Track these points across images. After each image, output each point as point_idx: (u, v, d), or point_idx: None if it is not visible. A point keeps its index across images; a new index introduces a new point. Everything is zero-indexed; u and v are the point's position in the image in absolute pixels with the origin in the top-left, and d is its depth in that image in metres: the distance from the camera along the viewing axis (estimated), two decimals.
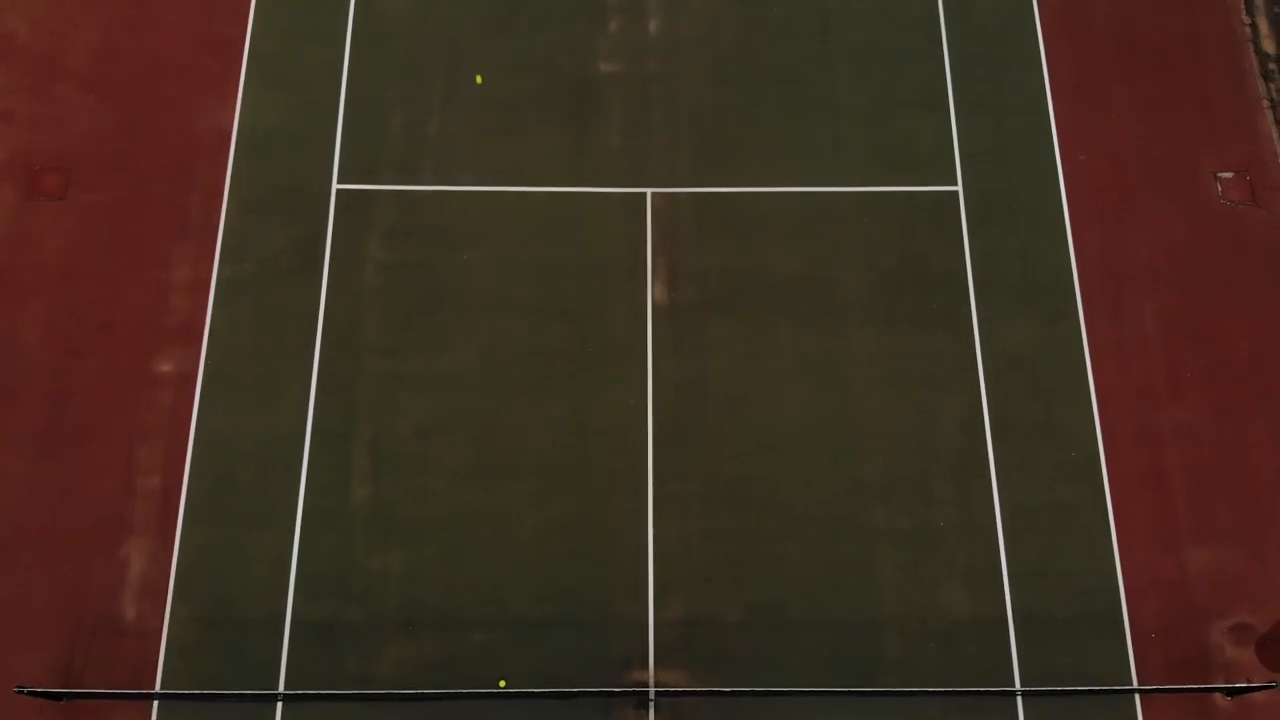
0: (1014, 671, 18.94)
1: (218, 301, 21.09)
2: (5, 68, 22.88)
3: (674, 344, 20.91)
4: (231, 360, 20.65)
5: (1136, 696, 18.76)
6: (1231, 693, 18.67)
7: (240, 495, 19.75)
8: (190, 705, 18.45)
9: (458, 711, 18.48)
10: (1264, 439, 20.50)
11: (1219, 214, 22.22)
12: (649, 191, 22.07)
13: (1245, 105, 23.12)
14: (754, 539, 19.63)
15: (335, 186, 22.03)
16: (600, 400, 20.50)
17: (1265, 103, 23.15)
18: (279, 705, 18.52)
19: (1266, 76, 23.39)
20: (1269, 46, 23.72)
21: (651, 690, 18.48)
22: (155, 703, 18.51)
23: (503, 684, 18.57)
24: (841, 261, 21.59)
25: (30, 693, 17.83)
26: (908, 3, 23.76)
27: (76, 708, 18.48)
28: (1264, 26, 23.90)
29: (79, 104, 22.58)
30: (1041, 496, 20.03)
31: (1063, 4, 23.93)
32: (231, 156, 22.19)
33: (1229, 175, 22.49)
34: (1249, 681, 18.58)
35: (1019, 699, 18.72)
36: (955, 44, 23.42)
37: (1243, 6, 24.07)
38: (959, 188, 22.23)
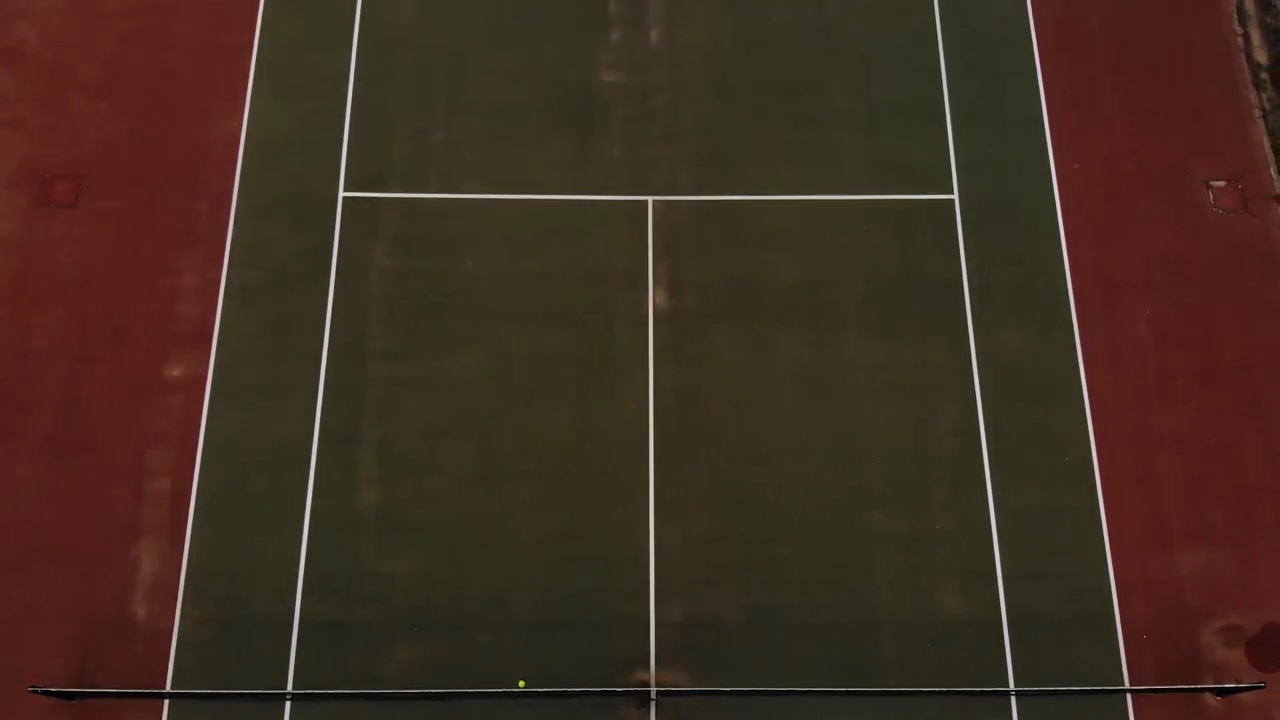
0: (1008, 672, 19.28)
1: (227, 308, 21.44)
2: (17, 77, 23.23)
3: (675, 350, 21.25)
4: (241, 365, 21.00)
5: (1128, 696, 19.08)
6: (1221, 693, 19.00)
7: (249, 498, 20.09)
8: (200, 704, 18.80)
9: (463, 711, 18.82)
10: (1255, 443, 20.83)
11: (1212, 222, 22.56)
12: (650, 200, 22.41)
13: (1237, 114, 23.45)
14: (754, 542, 19.98)
15: (342, 194, 22.37)
16: (602, 406, 20.84)
17: (1257, 112, 23.48)
18: (287, 704, 18.86)
19: (1258, 86, 23.72)
20: (1261, 56, 24.05)
21: (653, 690, 18.80)
22: (166, 702, 18.84)
23: (522, 684, 18.87)
24: (840, 269, 21.93)
25: (45, 692, 18.18)
26: (906, 15, 24.10)
27: (89, 707, 18.82)
28: (1256, 36, 24.23)
29: (90, 113, 22.92)
30: (1036, 500, 20.37)
31: (1058, 15, 24.26)
32: (240, 165, 22.54)
33: (1221, 184, 22.83)
34: (1238, 682, 18.90)
35: (1013, 699, 19.05)
36: (952, 55, 23.74)
37: (1235, 17, 24.40)
38: (955, 196, 22.57)
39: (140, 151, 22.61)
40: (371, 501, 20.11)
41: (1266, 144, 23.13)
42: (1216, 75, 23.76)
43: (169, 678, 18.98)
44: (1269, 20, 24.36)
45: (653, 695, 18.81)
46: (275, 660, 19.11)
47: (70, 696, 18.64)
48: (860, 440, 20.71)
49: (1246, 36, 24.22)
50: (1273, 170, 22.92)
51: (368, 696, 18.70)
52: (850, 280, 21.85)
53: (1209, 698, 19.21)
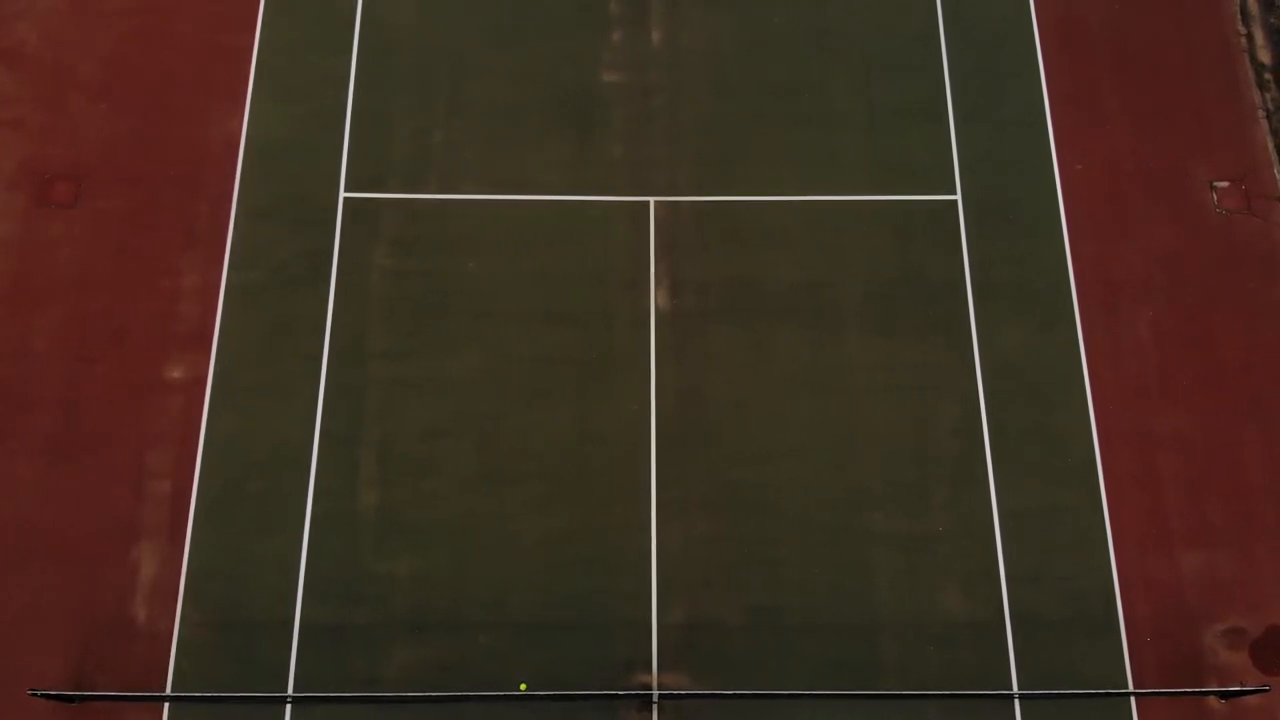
0: (1011, 674, 19.22)
1: (227, 309, 21.40)
2: (17, 77, 23.19)
3: (676, 351, 21.20)
4: (240, 366, 20.95)
5: (1132, 699, 19.01)
6: (1225, 696, 18.94)
7: (249, 500, 20.05)
8: (200, 707, 18.74)
9: (464, 714, 18.76)
10: (1257, 444, 20.77)
11: (1214, 222, 22.50)
12: (651, 200, 22.37)
13: (1241, 115, 23.39)
14: (755, 543, 19.92)
15: (342, 195, 22.33)
16: (603, 406, 20.79)
17: (1260, 112, 23.42)
18: (288, 707, 18.81)
19: (1262, 86, 23.66)
20: (1264, 56, 23.99)
21: (655, 692, 18.74)
22: (165, 705, 18.78)
23: (523, 687, 18.81)
24: (841, 270, 21.88)
25: (44, 695, 18.13)
26: (907, 15, 24.06)
27: (88, 710, 18.76)
28: (1259, 36, 24.17)
29: (90, 113, 22.88)
30: (1038, 501, 20.31)
31: (1060, 15, 24.20)
32: (240, 165, 22.50)
33: (1224, 184, 22.77)
34: (1242, 685, 18.84)
35: (1016, 702, 18.98)
36: (954, 55, 23.70)
37: (1238, 16, 24.34)
38: (958, 197, 22.52)
39: (140, 151, 22.57)
40: (371, 503, 20.06)
41: (1270, 144, 23.07)
42: (1219, 75, 23.71)
43: (169, 680, 18.92)
44: (1272, 20, 24.30)
45: (655, 698, 18.76)
46: (275, 663, 19.06)
47: (69, 699, 18.58)
48: (861, 440, 20.66)
49: (1250, 37, 24.16)
50: (1276, 171, 22.86)
51: (368, 699, 18.65)
52: (851, 280, 21.80)
53: (1213, 701, 19.14)
